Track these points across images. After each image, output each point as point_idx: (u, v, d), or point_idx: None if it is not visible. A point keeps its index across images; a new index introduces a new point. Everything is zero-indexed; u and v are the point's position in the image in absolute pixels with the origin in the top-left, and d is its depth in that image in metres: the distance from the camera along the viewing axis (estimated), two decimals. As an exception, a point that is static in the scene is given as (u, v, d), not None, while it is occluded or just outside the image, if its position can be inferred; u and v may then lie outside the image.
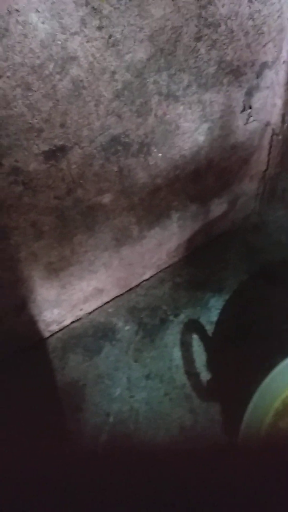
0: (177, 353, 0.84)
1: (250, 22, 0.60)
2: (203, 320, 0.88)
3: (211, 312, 0.89)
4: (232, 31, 0.59)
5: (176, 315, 0.89)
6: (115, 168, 0.65)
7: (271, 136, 0.81)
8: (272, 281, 0.92)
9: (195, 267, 0.97)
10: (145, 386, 0.81)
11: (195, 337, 0.86)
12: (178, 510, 0.22)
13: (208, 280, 0.94)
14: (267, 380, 0.52)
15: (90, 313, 0.91)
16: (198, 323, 0.87)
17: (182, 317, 0.89)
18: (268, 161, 0.86)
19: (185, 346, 0.84)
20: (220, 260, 0.97)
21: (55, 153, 0.56)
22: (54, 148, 0.56)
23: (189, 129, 0.68)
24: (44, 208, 0.62)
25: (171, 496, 0.23)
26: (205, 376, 0.80)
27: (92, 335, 0.89)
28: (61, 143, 0.56)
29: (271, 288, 0.90)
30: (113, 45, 0.51)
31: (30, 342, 0.86)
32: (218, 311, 0.88)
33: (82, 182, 0.63)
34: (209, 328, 0.86)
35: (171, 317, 0.89)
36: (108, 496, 0.23)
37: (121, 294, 0.93)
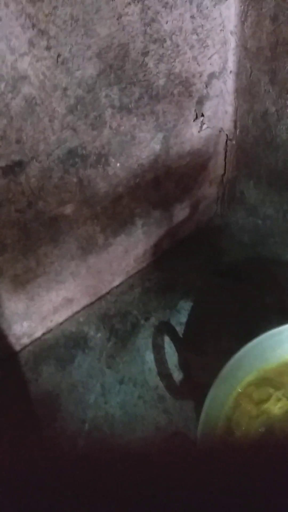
0: (149, 356, 0.86)
1: (195, 37, 0.64)
2: (173, 322, 0.90)
3: (181, 314, 0.91)
4: (178, 45, 0.63)
5: (146, 319, 0.91)
6: (75, 179, 0.67)
7: (226, 142, 0.85)
8: (238, 279, 0.95)
9: (163, 271, 1.00)
10: (119, 391, 0.82)
11: (166, 339, 0.88)
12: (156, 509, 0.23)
13: (177, 282, 0.97)
14: (218, 380, 0.55)
15: (61, 323, 0.92)
16: (169, 325, 0.90)
17: (153, 320, 0.91)
18: (225, 165, 0.90)
19: (157, 348, 0.86)
20: (187, 262, 1.00)
21: (13, 168, 0.58)
22: (11, 163, 0.57)
23: (145, 139, 0.70)
24: (6, 222, 0.63)
25: (148, 496, 0.24)
26: (177, 376, 0.82)
27: (64, 345, 0.90)
28: (18, 158, 0.57)
29: (237, 285, 0.94)
30: (62, 63, 0.53)
31: (1, 357, 0.85)
32: (187, 312, 0.91)
33: (43, 194, 0.64)
34: (179, 329, 0.89)
35: (142, 321, 0.91)
36: (85, 498, 0.23)
37: (92, 303, 0.95)
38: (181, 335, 0.88)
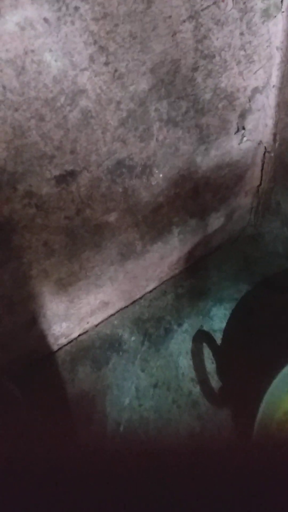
0: (182, 362, 0.87)
1: (242, 52, 0.65)
2: (205, 329, 0.91)
3: (213, 321, 0.92)
4: (226, 61, 0.64)
5: (179, 325, 0.93)
6: (120, 189, 0.69)
7: (264, 154, 0.86)
8: (271, 289, 0.96)
9: (196, 278, 1.01)
10: (153, 395, 0.84)
11: (200, 346, 0.89)
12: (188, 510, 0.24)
13: (209, 290, 0.98)
14: (277, 380, 0.56)
15: (96, 325, 0.94)
16: (207, 333, 0.91)
17: (186, 326, 0.93)
18: (262, 176, 0.91)
19: (194, 355, 0.87)
20: (219, 271, 1.01)
21: (66, 177, 0.60)
22: (64, 173, 0.60)
23: (188, 151, 0.72)
24: (55, 228, 0.66)
25: (181, 497, 0.25)
26: (214, 383, 0.83)
27: (99, 347, 0.92)
28: (71, 168, 0.60)
29: (270, 296, 0.94)
30: (118, 78, 0.55)
31: (40, 356, 0.88)
32: (220, 319, 0.92)
33: (90, 202, 0.67)
34: (214, 336, 0.90)
35: (175, 327, 0.93)
36: (119, 497, 0.24)
37: (126, 306, 0.97)
38: (214, 344, 0.89)
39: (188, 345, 0.89)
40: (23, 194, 0.58)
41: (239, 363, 0.83)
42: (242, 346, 0.86)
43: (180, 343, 0.90)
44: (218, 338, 0.89)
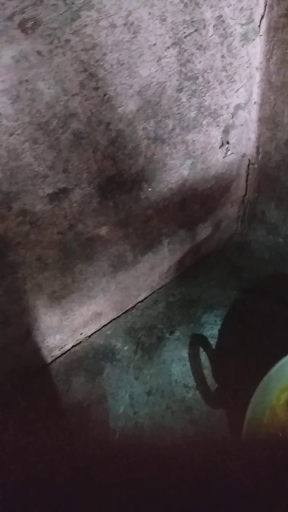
0: (175, 369, 0.90)
1: (224, 73, 0.69)
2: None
3: (204, 328, 0.95)
4: (208, 82, 0.68)
5: (171, 333, 0.96)
6: (111, 204, 0.72)
7: (248, 166, 0.89)
8: (259, 295, 0.99)
9: (186, 286, 1.04)
10: (147, 402, 0.86)
11: (196, 351, 0.92)
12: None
13: (199, 298, 1.01)
14: (265, 379, 0.59)
15: (89, 336, 0.96)
16: (203, 337, 0.93)
17: (177, 334, 0.95)
18: (246, 187, 0.94)
19: (190, 359, 0.90)
20: (209, 278, 1.04)
21: (59, 195, 0.63)
22: (57, 190, 0.62)
23: (175, 166, 0.75)
24: (48, 243, 0.68)
25: (177, 501, 0.25)
26: (211, 386, 0.85)
27: (93, 357, 0.94)
28: (63, 185, 0.62)
29: (258, 301, 0.98)
30: (107, 101, 0.58)
31: (35, 368, 0.90)
32: (211, 326, 0.95)
33: (82, 217, 0.69)
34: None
35: (167, 335, 0.95)
36: (115, 503, 0.25)
37: (118, 316, 0.99)
38: (209, 348, 0.92)
39: (180, 352, 0.92)
40: (18, 213, 0.60)
41: (232, 366, 0.86)
42: (233, 349, 0.89)
43: (173, 350, 0.93)
44: (211, 344, 0.92)
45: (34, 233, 0.65)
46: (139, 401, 0.86)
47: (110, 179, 0.68)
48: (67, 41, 0.49)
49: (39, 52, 0.48)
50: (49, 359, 0.92)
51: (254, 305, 0.96)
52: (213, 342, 0.92)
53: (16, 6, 0.43)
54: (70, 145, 0.59)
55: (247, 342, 0.90)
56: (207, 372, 0.87)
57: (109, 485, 0.26)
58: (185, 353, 0.92)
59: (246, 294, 0.99)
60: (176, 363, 0.90)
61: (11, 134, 0.52)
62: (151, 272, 0.95)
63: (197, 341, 0.92)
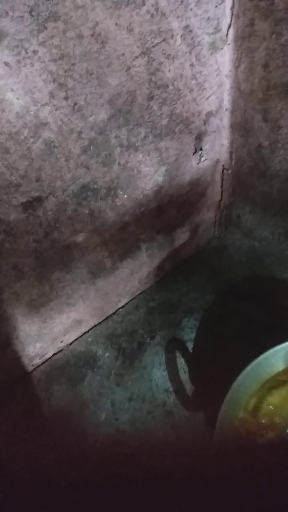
0: (156, 373, 0.90)
1: (194, 81, 0.70)
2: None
3: (184, 331, 0.96)
4: (179, 90, 0.69)
5: (152, 338, 0.96)
6: (87, 211, 0.72)
7: (222, 171, 0.91)
8: (237, 298, 1.00)
9: (166, 291, 1.05)
10: (129, 408, 0.86)
11: (172, 356, 0.92)
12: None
13: (179, 302, 1.02)
14: (237, 381, 0.60)
15: (70, 344, 0.96)
16: (179, 341, 0.94)
17: (158, 338, 0.96)
18: (222, 192, 0.96)
19: (166, 364, 0.90)
20: (188, 283, 1.05)
21: (32, 203, 0.63)
22: (31, 199, 0.62)
23: (149, 173, 0.76)
24: (24, 251, 0.68)
25: (158, 505, 0.26)
26: (186, 390, 0.86)
27: (74, 364, 0.94)
28: (37, 194, 0.63)
29: (236, 304, 0.99)
30: (78, 110, 0.59)
31: (15, 377, 0.89)
32: (191, 330, 0.96)
33: (58, 225, 0.70)
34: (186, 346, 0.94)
35: (148, 340, 0.96)
36: (98, 508, 0.25)
37: (99, 323, 0.99)
38: (187, 352, 0.93)
39: (161, 357, 0.92)
40: (-9, 222, 0.60)
41: (210, 368, 0.87)
42: (212, 352, 0.90)
43: (154, 355, 0.93)
44: (190, 347, 0.93)
45: (9, 241, 0.65)
46: (121, 407, 0.86)
47: (84, 187, 0.68)
48: (35, 52, 0.50)
49: (6, 63, 0.48)
50: (30, 368, 0.91)
51: (232, 307, 0.98)
52: (193, 345, 0.93)
53: (-19, 19, 0.44)
54: (42, 154, 0.59)
55: (225, 344, 0.91)
56: (185, 376, 0.87)
57: (90, 492, 0.26)
58: (169, 356, 0.92)
59: (225, 297, 1.01)
60: (157, 368, 0.91)
61: (-19, 144, 0.52)
62: (130, 277, 0.96)
63: (173, 345, 0.93)
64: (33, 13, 0.47)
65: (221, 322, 0.97)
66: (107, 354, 0.95)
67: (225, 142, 0.85)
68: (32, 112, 0.54)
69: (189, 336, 0.95)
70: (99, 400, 0.88)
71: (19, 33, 0.47)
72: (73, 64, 0.54)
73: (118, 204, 0.77)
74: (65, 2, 0.49)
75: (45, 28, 0.49)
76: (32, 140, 0.57)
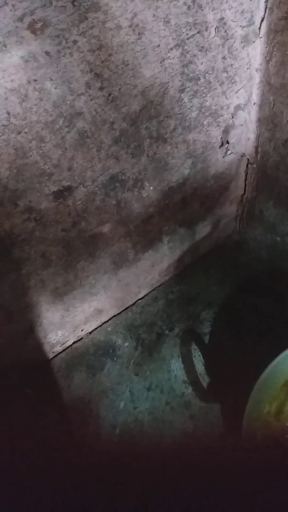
0: (174, 365, 0.91)
1: (225, 74, 0.70)
2: (196, 333, 0.96)
3: (203, 324, 0.97)
4: (210, 82, 0.69)
5: (171, 329, 0.97)
6: (114, 202, 0.73)
7: (247, 165, 0.91)
8: (257, 293, 1.01)
9: (185, 284, 1.05)
10: (147, 397, 0.87)
11: (189, 348, 0.93)
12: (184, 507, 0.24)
13: (198, 295, 1.03)
14: (265, 374, 0.61)
15: (90, 332, 0.98)
16: (196, 333, 0.95)
17: (177, 330, 0.97)
18: (245, 186, 0.96)
19: (184, 356, 0.91)
20: (207, 276, 1.06)
21: (63, 193, 0.64)
22: (62, 188, 0.63)
23: (176, 165, 0.77)
24: (52, 240, 0.69)
25: (177, 496, 0.25)
26: (204, 382, 0.87)
27: (93, 353, 0.95)
28: (68, 184, 0.64)
29: (256, 299, 0.99)
30: (112, 101, 0.60)
31: (36, 364, 0.91)
32: (209, 323, 0.97)
33: (85, 215, 0.71)
34: (204, 339, 0.94)
35: (167, 332, 0.97)
36: (116, 496, 0.25)
37: (119, 313, 1.00)
38: (203, 344, 0.94)
39: (179, 348, 0.93)
40: (23, 210, 0.61)
41: (227, 362, 0.88)
42: (229, 346, 0.91)
43: (172, 347, 0.94)
44: (207, 340, 0.94)
45: (39, 229, 0.66)
46: (139, 397, 0.87)
47: (113, 178, 0.69)
48: (75, 42, 0.50)
49: (47, 53, 0.49)
50: (51, 355, 0.93)
51: (252, 302, 0.98)
52: (211, 338, 0.94)
53: (26, 8, 0.44)
54: (75, 143, 0.60)
55: (243, 339, 0.92)
56: (202, 368, 0.88)
57: (108, 479, 0.26)
58: (184, 349, 0.93)
59: (244, 291, 1.01)
60: (176, 359, 0.92)
61: (19, 132, 0.53)
62: (151, 269, 0.97)
63: (190, 337, 0.94)
64: (75, 3, 0.47)
65: (239, 317, 0.97)
66: (126, 344, 0.96)
67: (252, 136, 0.85)
68: (68, 102, 0.55)
69: (207, 329, 0.96)
70: (118, 388, 0.89)
71: (61, 22, 0.48)
72: (110, 55, 0.55)
73: (144, 195, 0.77)
74: (106, -7, 0.49)
75: (86, 18, 0.49)
76: (66, 129, 0.58)
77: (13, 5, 0.44)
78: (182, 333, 0.95)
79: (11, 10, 0.44)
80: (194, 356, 0.91)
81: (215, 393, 0.84)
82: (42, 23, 0.46)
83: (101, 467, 0.28)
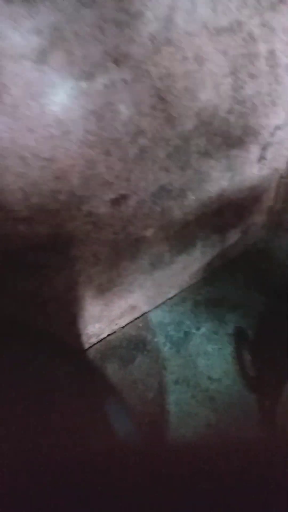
0: (200, 361, 0.98)
1: (268, 98, 0.77)
2: (221, 333, 1.02)
3: (228, 326, 1.04)
4: (255, 105, 0.76)
5: (198, 328, 1.04)
6: (159, 209, 0.80)
7: (279, 179, 0.97)
8: (281, 298, 1.07)
9: (212, 286, 1.12)
10: (174, 390, 0.94)
11: (215, 346, 1.00)
12: (210, 500, 0.25)
13: (224, 298, 1.09)
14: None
15: (123, 327, 1.05)
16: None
17: (203, 330, 1.03)
18: (275, 198, 1.02)
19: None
20: (234, 280, 1.12)
21: (119, 200, 0.71)
22: (119, 196, 0.70)
23: (217, 177, 0.84)
24: (104, 241, 0.77)
25: (202, 488, 0.25)
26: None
27: (126, 346, 1.02)
28: (124, 192, 0.71)
29: (280, 304, 1.06)
30: (170, 121, 0.66)
31: (74, 352, 0.98)
32: (234, 324, 1.03)
33: (134, 220, 0.78)
34: (228, 339, 1.01)
35: (194, 330, 1.04)
36: (142, 486, 0.25)
37: (150, 311, 1.07)
38: (235, 344, 1.00)
39: (205, 347, 1.00)
40: (85, 214, 0.68)
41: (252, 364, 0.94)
42: (251, 348, 0.97)
43: (198, 345, 1.01)
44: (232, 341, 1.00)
45: (95, 232, 0.73)
46: (167, 389, 0.94)
47: (162, 187, 0.76)
48: (147, 71, 0.57)
49: (124, 80, 0.56)
50: (87, 346, 1.00)
51: (275, 307, 1.05)
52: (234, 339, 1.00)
53: (114, 43, 0.51)
54: (135, 157, 0.67)
55: (265, 341, 0.98)
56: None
57: (139, 467, 0.27)
58: (210, 348, 1.00)
59: (268, 297, 1.07)
60: (202, 357, 0.99)
61: (91, 147, 0.60)
62: (183, 271, 1.04)
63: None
64: (152, 40, 0.54)
65: (263, 320, 1.04)
66: (155, 340, 1.03)
67: (286, 152, 0.91)
68: (135, 122, 0.62)
69: (232, 330, 1.02)
70: (147, 380, 0.96)
71: (140, 55, 0.55)
72: (174, 82, 0.62)
73: (185, 204, 0.84)
74: (178, 30, 0.56)
75: (160, 51, 0.56)
76: (130, 145, 0.65)
77: (103, 40, 0.51)
78: (210, 332, 1.02)
79: (101, 44, 0.51)
80: (219, 354, 0.98)
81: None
82: (124, 55, 0.53)
83: (132, 454, 0.29)
